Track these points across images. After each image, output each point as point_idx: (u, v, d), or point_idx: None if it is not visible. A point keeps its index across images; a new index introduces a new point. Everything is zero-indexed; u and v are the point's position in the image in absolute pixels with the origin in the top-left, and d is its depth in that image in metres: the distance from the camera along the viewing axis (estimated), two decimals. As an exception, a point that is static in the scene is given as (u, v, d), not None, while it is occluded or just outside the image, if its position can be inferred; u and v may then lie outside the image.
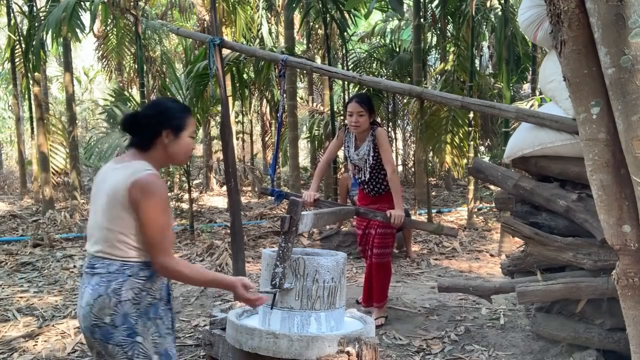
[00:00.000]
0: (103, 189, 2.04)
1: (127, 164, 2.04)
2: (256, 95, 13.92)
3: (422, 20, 10.11)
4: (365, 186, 4.32)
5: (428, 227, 4.67)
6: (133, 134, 2.11)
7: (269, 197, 11.92)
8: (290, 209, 2.65)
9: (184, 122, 2.12)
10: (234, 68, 8.20)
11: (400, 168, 14.91)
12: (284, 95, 4.42)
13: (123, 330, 1.98)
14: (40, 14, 9.58)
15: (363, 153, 4.19)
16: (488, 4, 10.51)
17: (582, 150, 2.17)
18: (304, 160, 18.00)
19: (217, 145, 15.29)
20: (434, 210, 9.80)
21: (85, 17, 8.97)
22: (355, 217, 4.50)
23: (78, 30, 8.55)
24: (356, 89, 11.80)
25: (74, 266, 6.28)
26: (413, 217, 7.84)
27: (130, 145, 2.12)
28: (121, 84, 15.53)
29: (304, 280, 2.36)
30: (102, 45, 12.16)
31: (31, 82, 9.99)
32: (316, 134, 12.24)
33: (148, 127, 2.08)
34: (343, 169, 7.35)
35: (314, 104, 13.36)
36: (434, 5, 10.53)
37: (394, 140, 14.99)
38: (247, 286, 2.08)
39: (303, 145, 18.22)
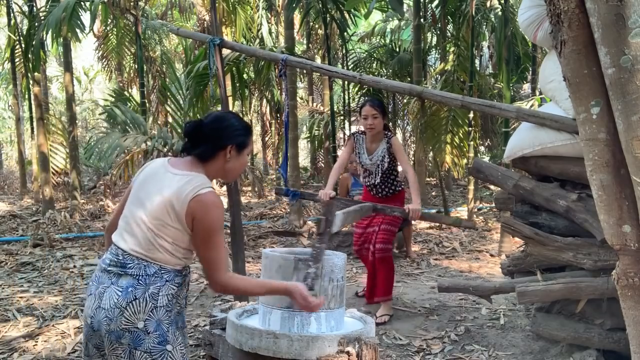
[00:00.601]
0: (157, 189, 1.97)
1: (188, 175, 1.98)
2: (256, 95, 13.92)
3: (422, 20, 10.11)
4: (374, 189, 4.47)
5: (447, 220, 4.83)
6: (195, 143, 2.06)
7: (270, 198, 11.95)
8: (326, 210, 2.70)
9: (248, 140, 2.11)
10: (234, 68, 8.22)
11: (400, 168, 14.89)
12: (287, 96, 4.47)
13: (155, 337, 1.91)
14: (40, 14, 9.58)
15: (376, 159, 4.35)
16: (488, 4, 10.51)
17: (582, 150, 2.17)
18: (304, 160, 18.00)
19: (217, 145, 15.25)
20: (433, 210, 9.81)
21: (85, 17, 8.99)
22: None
23: (78, 30, 8.56)
24: (356, 89, 11.83)
25: (74, 266, 6.28)
26: (436, 213, 7.83)
27: (187, 151, 2.08)
28: (121, 84, 15.54)
29: (321, 279, 2.37)
30: (102, 45, 12.17)
31: (31, 82, 9.98)
32: (316, 134, 12.26)
33: (214, 139, 2.04)
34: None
35: (314, 104, 13.37)
36: (434, 5, 10.54)
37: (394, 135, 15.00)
38: (303, 292, 2.08)
39: (303, 145, 18.22)
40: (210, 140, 2.04)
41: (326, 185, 4.31)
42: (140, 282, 1.91)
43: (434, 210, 9.78)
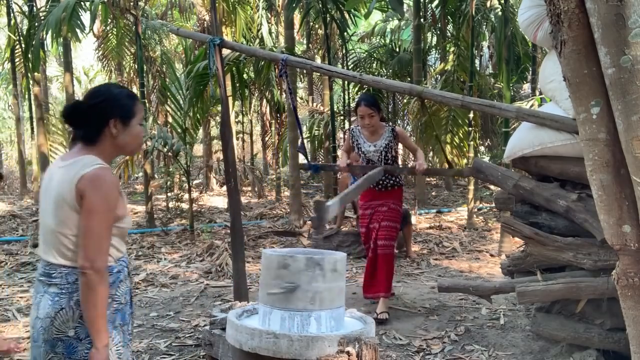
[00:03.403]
0: (50, 189, 1.87)
1: (74, 160, 1.85)
2: (256, 95, 13.92)
3: (422, 20, 10.11)
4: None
5: (449, 172, 5.26)
6: (77, 127, 1.91)
7: (270, 198, 11.94)
8: (318, 208, 2.95)
9: (133, 109, 1.92)
10: (234, 68, 8.21)
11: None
12: (290, 92, 4.61)
13: (88, 342, 1.83)
14: (40, 14, 9.59)
15: (380, 145, 4.39)
16: (488, 4, 10.51)
17: (582, 150, 2.17)
18: (304, 160, 17.98)
19: (217, 145, 15.28)
20: (433, 210, 9.81)
21: (85, 17, 8.98)
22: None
23: (78, 30, 8.56)
24: (356, 89, 11.83)
25: (74, 266, 6.28)
26: (413, 217, 7.84)
27: (76, 139, 1.92)
28: (121, 84, 15.51)
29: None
30: (102, 45, 12.15)
31: (31, 82, 9.99)
32: (316, 134, 12.25)
33: (93, 117, 1.87)
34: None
35: (314, 104, 13.36)
36: (434, 5, 10.54)
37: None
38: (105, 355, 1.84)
39: (303, 145, 18.18)
40: (90, 119, 1.87)
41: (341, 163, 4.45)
42: (63, 291, 1.84)
43: (434, 211, 9.80)
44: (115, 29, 10.69)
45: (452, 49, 9.45)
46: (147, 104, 10.75)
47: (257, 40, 11.70)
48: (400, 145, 4.75)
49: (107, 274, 1.85)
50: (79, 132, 1.90)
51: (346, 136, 4.70)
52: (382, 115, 4.52)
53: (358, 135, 4.48)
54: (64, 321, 1.83)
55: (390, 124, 4.54)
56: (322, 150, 13.20)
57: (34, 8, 9.96)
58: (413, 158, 4.63)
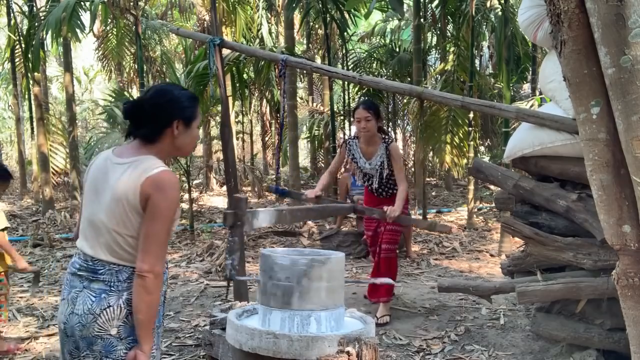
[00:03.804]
0: (107, 185, 1.84)
1: (135, 160, 1.83)
2: (256, 95, 13.93)
3: (422, 20, 10.11)
4: (375, 191, 4.49)
5: (422, 224, 5.05)
6: (137, 124, 1.90)
7: (270, 198, 11.95)
8: (235, 205, 2.69)
9: (195, 111, 1.95)
10: (234, 68, 8.21)
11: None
12: (285, 96, 4.54)
13: (128, 342, 1.83)
14: (40, 14, 9.58)
15: (375, 163, 4.33)
16: (488, 4, 10.51)
17: (582, 150, 2.17)
18: (304, 160, 18.00)
19: (217, 145, 15.28)
20: (433, 211, 9.81)
21: (85, 17, 8.98)
22: (354, 215, 4.66)
23: (78, 30, 8.56)
24: (356, 89, 11.83)
25: (74, 266, 6.28)
26: (413, 217, 7.84)
27: (131, 135, 1.93)
28: (121, 84, 15.54)
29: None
30: (102, 45, 12.16)
31: (31, 82, 9.99)
32: (316, 134, 12.26)
33: (157, 117, 1.87)
34: (343, 169, 7.39)
35: (314, 104, 13.37)
36: (434, 5, 10.53)
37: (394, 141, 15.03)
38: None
39: (303, 145, 18.22)
40: (153, 118, 1.87)
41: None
42: (113, 288, 1.82)
43: (434, 211, 9.80)
44: (115, 29, 10.70)
45: (452, 49, 9.44)
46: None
47: (257, 40, 11.71)
48: (400, 146, 4.74)
49: (160, 280, 1.83)
50: (140, 130, 1.89)
51: (341, 149, 4.57)
52: (381, 124, 4.42)
53: (355, 149, 4.41)
54: (109, 319, 1.81)
55: (387, 137, 4.38)
56: (322, 151, 13.20)
57: (34, 8, 9.95)
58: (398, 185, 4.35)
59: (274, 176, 14.32)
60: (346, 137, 4.71)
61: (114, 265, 1.83)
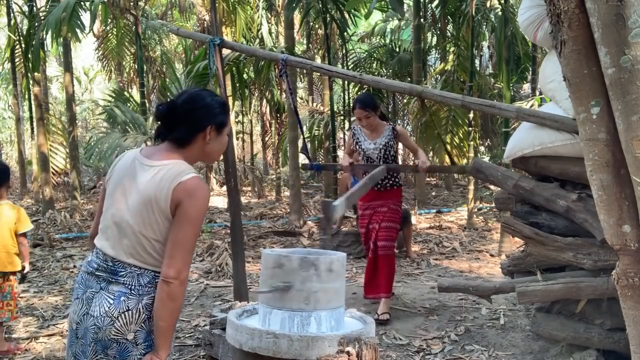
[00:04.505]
0: (135, 187, 1.81)
1: (166, 164, 1.81)
2: (256, 95, 13.92)
3: (422, 20, 10.11)
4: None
5: (453, 169, 5.32)
6: (170, 127, 1.88)
7: (270, 198, 11.93)
8: (324, 208, 3.02)
9: (226, 118, 1.95)
10: (234, 68, 8.21)
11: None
12: (291, 92, 4.69)
13: (143, 348, 1.80)
14: (40, 14, 9.58)
15: (380, 143, 4.40)
16: (488, 4, 10.51)
17: (582, 150, 2.17)
18: (304, 160, 17.99)
19: (217, 145, 15.26)
20: (433, 210, 9.81)
21: (85, 17, 8.98)
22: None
23: (78, 30, 8.56)
24: (356, 89, 11.83)
25: (74, 266, 6.28)
26: (413, 217, 7.84)
27: (161, 137, 1.91)
28: (121, 84, 15.54)
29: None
30: (102, 45, 12.16)
31: (31, 82, 9.98)
32: (316, 134, 12.25)
33: (192, 121, 1.86)
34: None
35: (314, 104, 13.36)
36: (434, 5, 10.54)
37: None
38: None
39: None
40: (186, 122, 1.87)
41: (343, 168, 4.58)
42: (133, 292, 1.78)
43: (434, 211, 9.80)
44: (115, 29, 10.70)
45: (452, 49, 9.45)
46: (147, 104, 10.74)
47: (257, 40, 11.71)
48: (400, 145, 4.77)
49: (184, 286, 1.81)
50: (173, 133, 1.88)
51: (347, 135, 4.72)
52: (381, 112, 4.53)
53: (359, 133, 4.51)
54: (127, 323, 1.77)
55: (391, 123, 4.57)
56: (322, 150, 13.20)
57: (34, 8, 9.95)
58: (414, 158, 4.63)
59: (273, 176, 14.34)
60: (352, 125, 4.82)
61: (136, 268, 1.80)
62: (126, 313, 1.77)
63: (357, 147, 4.51)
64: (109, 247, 1.83)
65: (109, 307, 1.77)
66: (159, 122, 1.92)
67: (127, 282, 1.79)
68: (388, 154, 4.39)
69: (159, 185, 1.77)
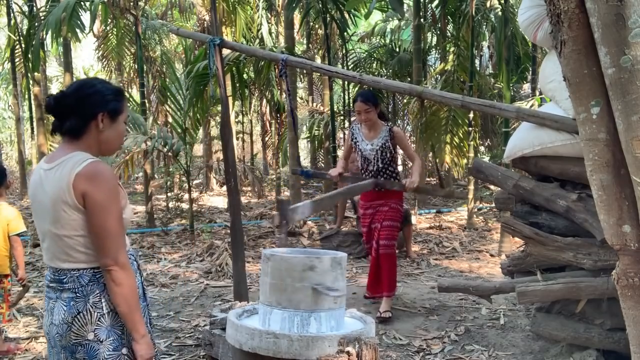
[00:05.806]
0: (43, 193, 1.81)
1: (62, 160, 1.79)
2: (256, 95, 13.92)
3: (422, 20, 10.10)
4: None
5: (440, 192, 5.24)
6: (62, 118, 1.85)
7: (270, 198, 11.93)
8: (280, 207, 3.01)
9: (121, 105, 1.90)
10: (234, 68, 8.21)
11: (400, 168, 14.91)
12: (289, 94, 4.69)
13: (109, 344, 1.81)
14: (40, 14, 9.58)
15: (377, 144, 4.42)
16: (488, 4, 10.51)
17: (582, 150, 2.17)
18: (304, 160, 18.01)
19: (217, 145, 15.29)
20: (433, 210, 9.81)
21: (85, 17, 8.98)
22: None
23: (78, 30, 8.56)
24: (356, 89, 11.82)
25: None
26: (413, 217, 7.84)
27: (55, 130, 1.88)
28: (121, 84, 15.52)
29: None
30: (102, 45, 12.15)
31: (31, 82, 9.99)
32: (316, 134, 12.25)
33: (82, 109, 1.82)
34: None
35: (314, 104, 13.36)
36: (434, 5, 10.53)
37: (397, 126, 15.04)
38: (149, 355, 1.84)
39: (303, 145, 18.22)
40: (77, 111, 1.83)
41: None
42: (78, 295, 1.80)
43: (434, 211, 9.80)
44: (115, 29, 10.69)
45: (452, 49, 9.44)
46: (147, 104, 10.75)
47: (257, 40, 11.70)
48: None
49: (131, 267, 1.84)
50: (64, 123, 1.85)
51: (346, 135, 4.73)
52: (381, 111, 4.56)
53: (357, 132, 4.54)
54: (82, 325, 1.80)
55: (389, 123, 4.59)
56: (322, 150, 13.20)
57: (34, 8, 9.95)
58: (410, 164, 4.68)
59: (273, 176, 14.35)
60: (351, 124, 4.84)
61: (74, 271, 1.82)
62: (78, 316, 1.80)
63: (355, 146, 4.54)
64: (48, 260, 1.87)
65: (64, 314, 1.81)
66: (51, 115, 1.88)
67: (72, 287, 1.82)
68: (385, 155, 4.41)
69: (60, 182, 1.76)
